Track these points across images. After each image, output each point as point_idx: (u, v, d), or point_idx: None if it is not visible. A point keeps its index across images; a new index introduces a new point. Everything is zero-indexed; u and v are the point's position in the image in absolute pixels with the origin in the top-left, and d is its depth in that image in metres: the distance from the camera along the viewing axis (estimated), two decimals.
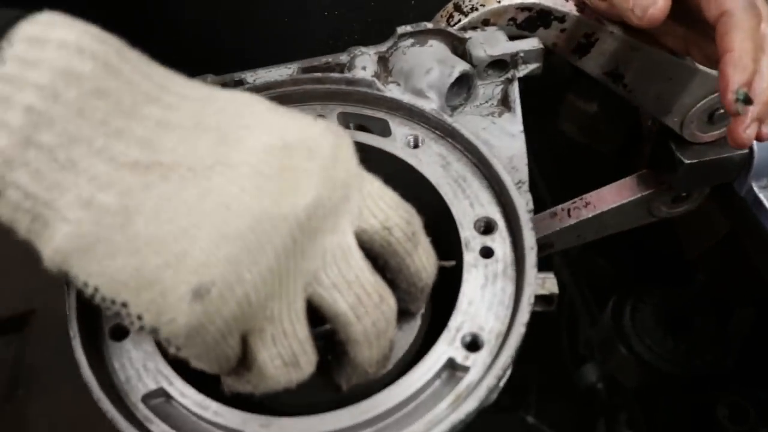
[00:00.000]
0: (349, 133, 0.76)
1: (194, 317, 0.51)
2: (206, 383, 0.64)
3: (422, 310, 0.72)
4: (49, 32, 0.50)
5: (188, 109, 0.55)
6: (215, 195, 0.52)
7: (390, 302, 0.61)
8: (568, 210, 1.24)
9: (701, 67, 0.94)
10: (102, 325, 0.69)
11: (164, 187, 0.52)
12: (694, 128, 1.04)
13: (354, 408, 0.62)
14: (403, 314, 0.70)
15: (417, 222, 0.64)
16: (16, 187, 0.50)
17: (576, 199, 1.25)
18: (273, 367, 0.58)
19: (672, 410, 1.81)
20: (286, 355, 0.58)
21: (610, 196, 1.22)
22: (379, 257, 0.64)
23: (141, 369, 0.66)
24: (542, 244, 1.27)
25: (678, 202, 1.24)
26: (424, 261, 0.65)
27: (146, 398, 0.65)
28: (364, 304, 0.59)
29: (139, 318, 0.52)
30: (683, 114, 1.02)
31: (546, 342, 2.23)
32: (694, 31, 0.89)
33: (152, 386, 0.65)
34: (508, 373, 0.73)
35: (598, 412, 1.98)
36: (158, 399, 0.65)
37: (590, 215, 1.22)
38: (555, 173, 2.16)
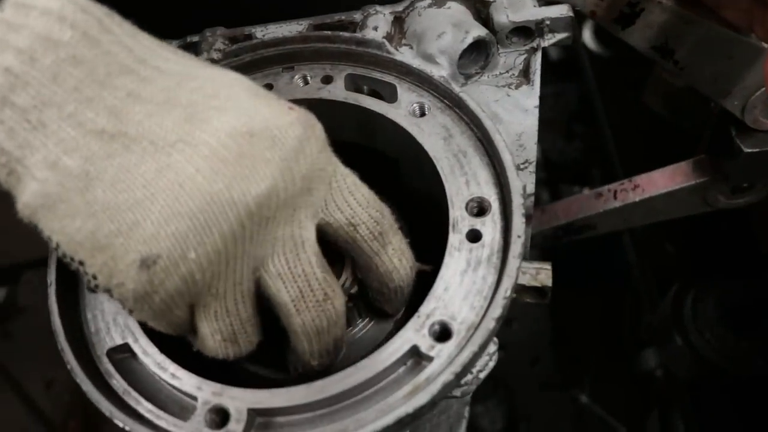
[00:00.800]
0: (354, 99, 0.73)
1: (140, 285, 0.54)
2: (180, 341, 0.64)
3: (399, 315, 0.71)
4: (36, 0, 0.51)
5: (162, 83, 0.56)
6: (172, 172, 0.54)
7: (336, 302, 0.61)
8: (615, 191, 1.16)
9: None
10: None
11: (125, 158, 0.54)
12: (757, 113, 0.94)
13: (309, 386, 0.60)
14: (381, 314, 0.70)
15: (388, 222, 0.64)
16: None
17: (624, 181, 1.16)
18: (213, 340, 0.60)
19: (725, 409, 1.72)
20: (226, 331, 0.60)
21: (662, 181, 1.13)
22: (346, 254, 0.64)
23: (111, 322, 0.66)
24: (583, 225, 1.20)
25: (738, 193, 1.13)
26: (395, 262, 0.65)
27: (111, 352, 0.65)
28: (306, 299, 0.60)
29: (94, 278, 0.56)
30: (745, 97, 0.92)
31: (608, 322, 2.16)
32: (761, 4, 0.79)
33: (118, 341, 0.65)
34: (491, 365, 0.69)
35: (654, 401, 1.90)
36: (123, 354, 0.65)
37: (638, 199, 1.14)
38: (632, 147, 2.06)
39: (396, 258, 0.64)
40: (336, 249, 0.64)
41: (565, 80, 2.12)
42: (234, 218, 0.54)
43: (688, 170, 1.12)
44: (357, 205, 0.62)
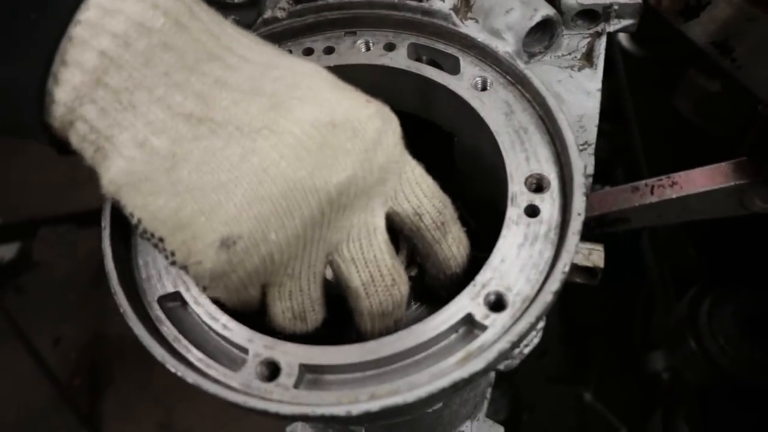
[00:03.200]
0: (416, 68, 0.73)
1: (219, 264, 0.56)
2: None
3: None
4: None
5: (248, 71, 0.57)
6: (257, 157, 0.56)
7: (402, 288, 0.64)
8: (652, 187, 1.16)
9: None
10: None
11: (211, 141, 0.56)
12: None
13: (362, 346, 0.60)
14: (434, 299, 0.71)
15: (449, 212, 0.67)
16: (84, 121, 0.55)
17: (662, 177, 1.16)
18: (283, 318, 0.63)
19: (732, 417, 1.72)
20: (297, 309, 0.63)
21: (701, 179, 1.13)
22: (409, 240, 0.67)
23: (162, 270, 0.67)
24: (617, 219, 1.19)
25: None
26: (453, 250, 0.67)
27: (162, 300, 0.65)
28: (376, 283, 0.63)
29: (172, 254, 0.57)
30: None
31: (619, 320, 2.16)
32: None
33: (170, 289, 0.65)
34: (535, 341, 0.69)
35: (658, 402, 1.91)
36: (173, 303, 0.65)
37: (674, 196, 1.13)
38: (659, 149, 2.05)
39: (455, 246, 0.67)
40: (397, 234, 0.67)
41: None
42: (315, 204, 0.57)
43: (728, 171, 1.12)
44: (423, 196, 0.64)
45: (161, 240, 0.57)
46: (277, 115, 0.56)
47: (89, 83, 0.53)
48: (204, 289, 0.60)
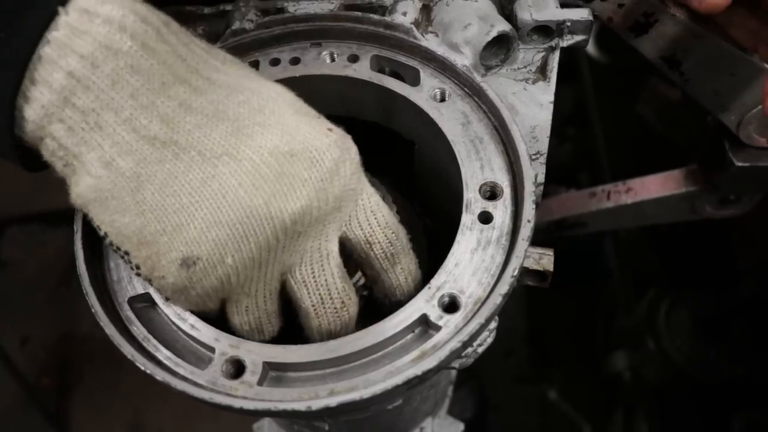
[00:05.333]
0: (378, 79, 0.76)
1: (179, 281, 0.60)
2: None
3: None
4: (99, 7, 0.54)
5: (213, 94, 0.60)
6: (216, 182, 0.59)
7: (351, 309, 0.68)
8: (608, 192, 1.21)
9: None
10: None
11: (174, 165, 0.58)
12: (752, 130, 0.99)
13: (322, 346, 0.63)
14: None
15: (401, 244, 0.69)
16: (53, 138, 0.57)
17: (618, 183, 1.21)
18: (241, 330, 0.67)
19: (689, 413, 1.78)
20: (254, 323, 0.66)
21: (654, 186, 1.18)
22: (359, 265, 0.69)
23: (133, 272, 0.69)
24: (575, 222, 1.24)
25: (725, 205, 1.18)
26: (401, 280, 0.70)
27: (132, 300, 0.68)
28: (325, 305, 0.66)
29: (137, 267, 0.61)
30: (742, 114, 0.96)
31: (582, 322, 2.21)
32: (767, 28, 0.84)
33: (140, 290, 0.68)
34: (489, 341, 0.73)
35: (620, 400, 1.96)
36: (143, 303, 0.68)
37: (629, 201, 1.19)
38: (622, 154, 2.10)
39: (402, 277, 0.70)
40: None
41: (561, 82, 2.16)
42: (270, 231, 0.60)
43: (680, 178, 1.17)
44: (376, 225, 0.67)
45: (127, 253, 0.60)
46: (238, 141, 0.59)
47: (57, 102, 0.54)
48: (167, 300, 0.65)
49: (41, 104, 0.54)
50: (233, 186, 0.58)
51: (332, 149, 0.62)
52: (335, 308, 0.66)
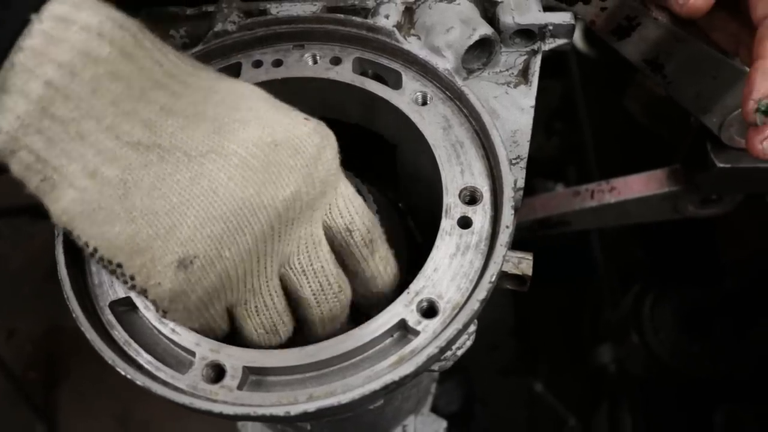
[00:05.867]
0: (360, 82, 0.76)
1: (178, 284, 0.59)
2: None
3: None
4: (75, 14, 0.53)
5: (191, 97, 0.59)
6: (205, 179, 0.58)
7: (347, 292, 0.68)
8: (592, 191, 1.22)
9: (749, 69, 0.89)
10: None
11: (161, 167, 0.58)
12: (733, 132, 1.00)
13: (302, 350, 0.64)
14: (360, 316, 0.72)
15: (378, 232, 0.69)
16: (29, 151, 0.55)
17: (602, 182, 1.22)
18: (257, 335, 0.66)
19: (672, 407, 1.80)
20: (268, 324, 0.66)
21: (637, 186, 1.19)
22: (338, 255, 0.69)
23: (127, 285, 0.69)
24: (559, 221, 1.25)
25: (707, 204, 1.20)
26: (381, 269, 0.70)
27: (113, 305, 0.68)
28: (325, 292, 0.66)
29: (132, 278, 0.59)
30: (723, 115, 0.97)
31: (568, 315, 2.23)
32: (748, 31, 0.84)
33: (121, 294, 0.68)
34: (468, 344, 0.74)
35: (605, 393, 1.98)
36: (124, 307, 0.68)
37: (613, 201, 1.20)
38: (609, 148, 2.11)
39: (381, 265, 0.70)
40: None
41: (549, 76, 2.17)
42: (264, 220, 0.60)
43: (663, 178, 1.18)
44: (355, 212, 0.67)
45: (119, 266, 0.59)
46: (222, 139, 0.59)
47: (34, 113, 0.53)
48: (164, 314, 0.62)
49: (16, 115, 0.53)
50: (223, 180, 0.58)
51: (313, 136, 0.62)
52: (334, 293, 0.67)
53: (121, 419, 2.39)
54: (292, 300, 0.68)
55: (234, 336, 0.68)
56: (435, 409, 1.92)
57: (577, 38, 2.18)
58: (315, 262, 0.65)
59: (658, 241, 1.90)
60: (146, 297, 0.60)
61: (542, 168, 2.26)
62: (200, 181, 0.58)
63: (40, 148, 0.54)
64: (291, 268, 0.65)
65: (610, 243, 2.03)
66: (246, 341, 0.67)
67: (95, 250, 0.58)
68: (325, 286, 0.66)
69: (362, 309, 0.72)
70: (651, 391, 1.83)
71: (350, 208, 0.67)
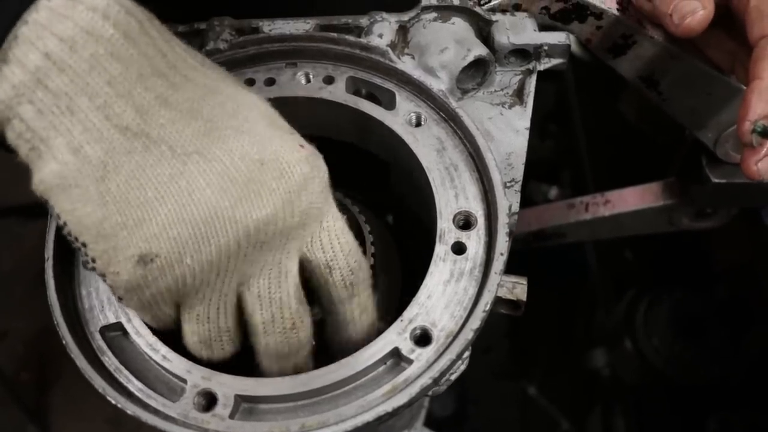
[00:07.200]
0: (353, 102, 0.76)
1: (134, 278, 0.58)
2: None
3: None
4: None
5: (189, 93, 0.59)
6: (184, 180, 0.57)
7: (301, 333, 0.65)
8: (587, 204, 1.22)
9: (745, 87, 0.89)
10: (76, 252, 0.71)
11: (143, 157, 0.57)
12: (728, 148, 0.99)
13: (294, 379, 0.63)
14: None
15: (363, 275, 0.67)
16: (21, 119, 0.55)
17: (596, 195, 1.22)
18: (192, 341, 0.65)
19: (665, 412, 1.80)
20: (203, 335, 0.64)
21: (632, 199, 1.19)
22: (315, 293, 0.67)
23: (105, 300, 0.69)
24: (553, 233, 1.25)
25: (702, 217, 1.20)
26: (356, 315, 0.68)
27: (104, 330, 0.67)
28: (275, 324, 0.64)
29: (93, 261, 0.59)
30: (719, 132, 0.97)
31: (562, 319, 2.23)
32: (744, 49, 0.84)
33: (112, 319, 0.67)
34: (462, 368, 0.73)
35: (598, 397, 1.98)
36: (115, 333, 0.68)
37: (607, 214, 1.20)
38: (603, 152, 2.11)
39: (357, 312, 0.67)
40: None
41: (543, 78, 2.16)
42: (232, 235, 0.58)
43: (658, 191, 1.18)
44: (339, 249, 0.65)
45: (84, 245, 0.58)
46: (210, 142, 0.58)
47: (29, 83, 0.53)
48: (119, 300, 0.63)
49: (12, 84, 0.53)
50: (201, 185, 0.57)
51: (302, 164, 0.61)
52: (284, 328, 0.64)
53: (113, 422, 2.38)
54: (247, 324, 0.65)
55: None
56: (429, 413, 1.92)
57: (571, 41, 2.17)
58: (274, 291, 0.63)
59: (652, 248, 1.90)
60: (104, 280, 0.60)
61: (536, 171, 2.25)
62: (179, 180, 0.57)
63: (31, 117, 0.55)
64: (248, 291, 0.63)
65: (605, 249, 2.03)
66: (185, 341, 0.65)
67: (65, 224, 0.58)
68: (277, 318, 0.64)
69: (330, 352, 0.69)
70: (644, 397, 1.83)
71: (334, 244, 0.64)
